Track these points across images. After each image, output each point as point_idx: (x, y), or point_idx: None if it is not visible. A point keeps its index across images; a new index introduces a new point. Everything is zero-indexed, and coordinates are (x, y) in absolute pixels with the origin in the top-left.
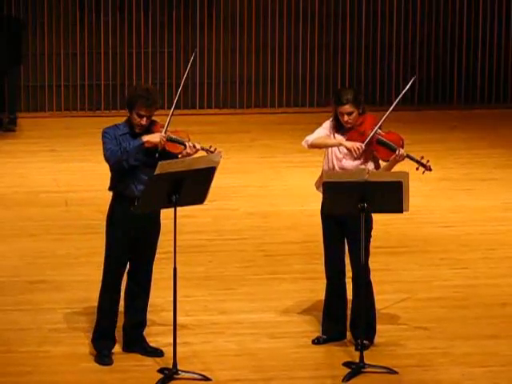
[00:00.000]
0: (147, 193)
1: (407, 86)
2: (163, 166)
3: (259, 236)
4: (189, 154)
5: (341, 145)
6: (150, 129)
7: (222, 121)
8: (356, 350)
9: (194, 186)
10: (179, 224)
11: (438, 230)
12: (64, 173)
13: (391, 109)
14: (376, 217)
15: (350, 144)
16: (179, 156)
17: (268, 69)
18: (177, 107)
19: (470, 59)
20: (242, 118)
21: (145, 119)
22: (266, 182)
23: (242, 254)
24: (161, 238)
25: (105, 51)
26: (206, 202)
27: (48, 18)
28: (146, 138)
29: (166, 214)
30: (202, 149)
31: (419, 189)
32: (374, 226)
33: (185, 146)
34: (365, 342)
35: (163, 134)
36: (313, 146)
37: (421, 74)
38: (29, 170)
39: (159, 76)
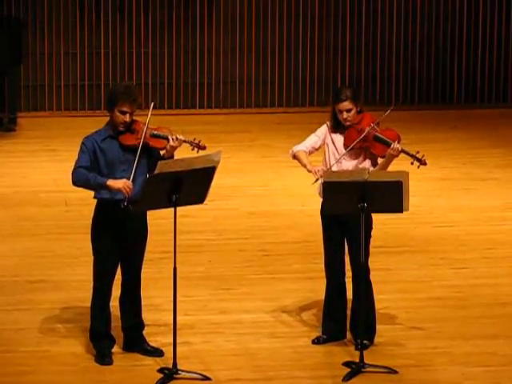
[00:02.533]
0: (147, 192)
1: (384, 115)
2: (163, 166)
3: (259, 236)
4: (173, 147)
5: (305, 167)
6: (131, 127)
7: (222, 121)
8: (356, 349)
9: (193, 185)
10: (179, 224)
11: (438, 230)
12: (64, 173)
13: (365, 134)
14: (376, 217)
15: (310, 168)
16: (163, 151)
17: (268, 69)
18: (177, 107)
19: (470, 59)
20: (242, 118)
21: (128, 116)
22: (266, 181)
23: (242, 254)
24: (161, 237)
25: (105, 51)
26: (206, 202)
27: (48, 18)
28: (110, 182)
29: (165, 214)
30: (185, 141)
31: (419, 188)
32: (374, 226)
33: (168, 139)
34: (365, 341)
35: (130, 181)
36: (295, 158)
37: (421, 74)
38: (29, 169)
39: (159, 76)
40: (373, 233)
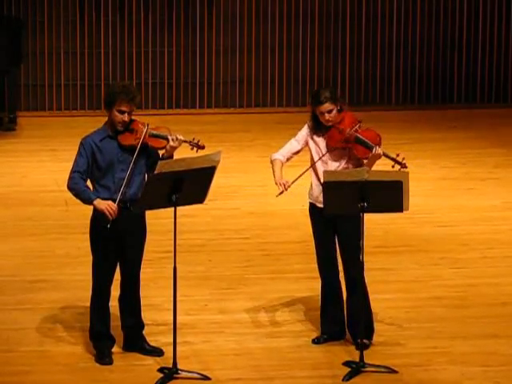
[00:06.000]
0: (147, 192)
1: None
2: (163, 166)
3: (259, 235)
4: (172, 147)
5: (274, 178)
6: (130, 127)
7: (222, 120)
8: (356, 349)
9: (194, 185)
10: (179, 224)
11: (438, 230)
12: (64, 172)
13: (346, 136)
14: (376, 216)
15: (276, 180)
16: (163, 150)
17: (268, 69)
18: (177, 107)
19: (470, 59)
20: (242, 118)
21: (126, 115)
22: (266, 181)
23: (242, 254)
24: (161, 237)
25: (105, 51)
26: (206, 202)
27: (48, 18)
28: (96, 201)
29: (165, 214)
30: (185, 141)
31: (419, 188)
32: (374, 225)
33: (167, 139)
34: (364, 341)
35: (115, 204)
36: (271, 164)
37: (421, 74)
38: (29, 169)
39: (159, 76)
40: (373, 233)
